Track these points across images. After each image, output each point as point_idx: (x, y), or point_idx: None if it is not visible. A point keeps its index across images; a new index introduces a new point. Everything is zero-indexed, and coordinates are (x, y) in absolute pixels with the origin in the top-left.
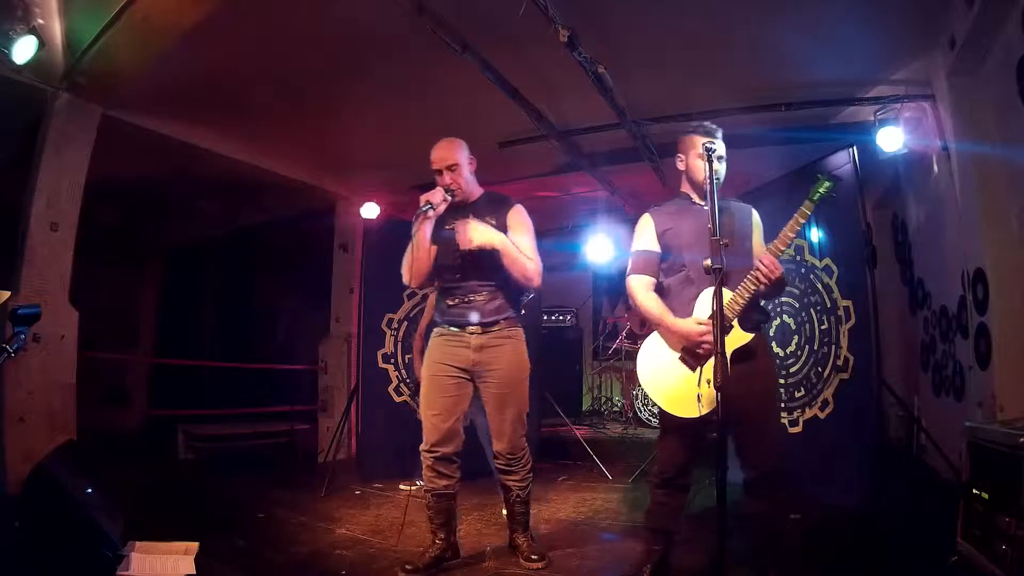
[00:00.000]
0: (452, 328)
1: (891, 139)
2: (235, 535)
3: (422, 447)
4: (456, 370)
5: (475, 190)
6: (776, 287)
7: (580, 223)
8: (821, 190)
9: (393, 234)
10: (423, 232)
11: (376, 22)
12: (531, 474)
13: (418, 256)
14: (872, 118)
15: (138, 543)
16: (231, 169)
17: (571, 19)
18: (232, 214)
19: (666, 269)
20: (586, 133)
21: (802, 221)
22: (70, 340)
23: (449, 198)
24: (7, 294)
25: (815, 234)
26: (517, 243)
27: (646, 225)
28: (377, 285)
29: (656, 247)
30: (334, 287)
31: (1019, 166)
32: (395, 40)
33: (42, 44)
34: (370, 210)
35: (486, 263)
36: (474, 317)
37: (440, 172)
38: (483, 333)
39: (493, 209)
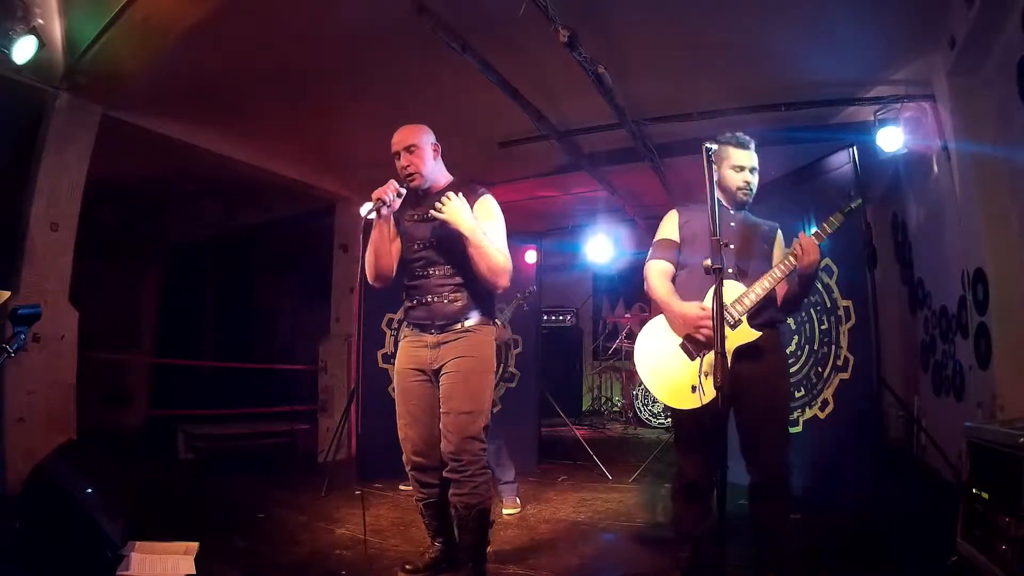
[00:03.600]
0: (414, 330)
1: (891, 139)
2: (235, 535)
3: (403, 459)
4: (419, 373)
5: (440, 178)
6: (806, 280)
7: (580, 223)
8: (854, 205)
9: None
10: (381, 232)
11: (376, 22)
12: (483, 494)
13: (379, 260)
14: (872, 118)
15: (138, 543)
16: (231, 169)
17: (571, 19)
18: (232, 214)
19: (683, 261)
20: (586, 133)
21: (829, 230)
22: (70, 340)
23: (403, 191)
24: (7, 294)
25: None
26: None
27: (671, 219)
28: None
29: (677, 237)
30: (334, 287)
31: (1019, 166)
32: (395, 40)
33: (42, 44)
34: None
35: (446, 258)
36: (432, 321)
37: (398, 155)
38: (440, 332)
39: None
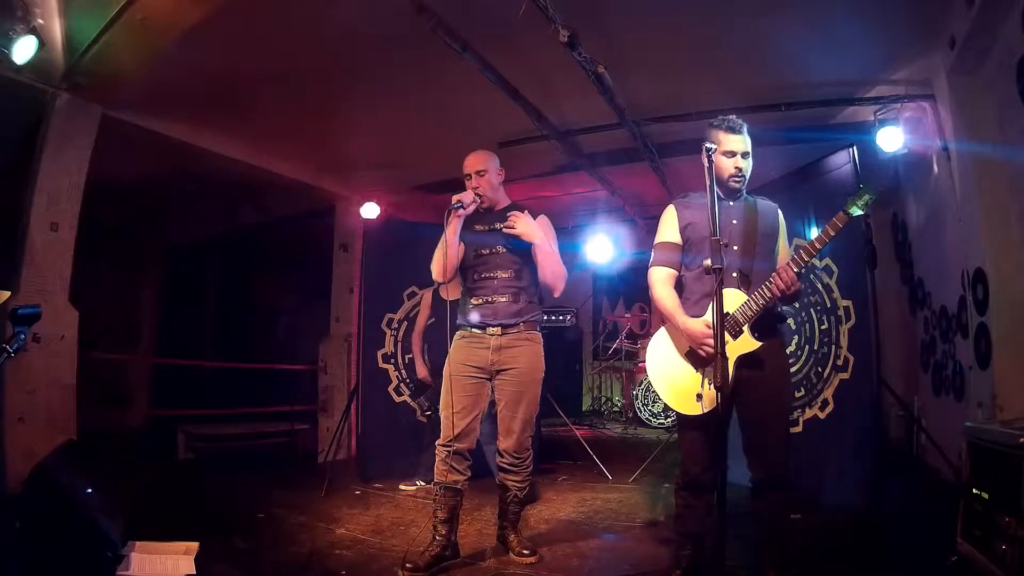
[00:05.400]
0: (474, 330)
1: (891, 139)
2: (235, 535)
3: (439, 442)
4: (476, 370)
5: (502, 200)
6: (790, 299)
7: (580, 223)
8: (860, 203)
9: (393, 234)
10: (454, 228)
11: (376, 22)
12: (531, 476)
13: (449, 252)
14: (872, 118)
15: (138, 543)
16: (231, 169)
17: (571, 19)
18: (232, 214)
19: (687, 263)
20: (586, 133)
21: (832, 233)
22: (70, 340)
23: (478, 200)
24: (7, 294)
25: (815, 234)
26: None
27: (670, 218)
28: (377, 285)
29: (678, 239)
30: (334, 287)
31: (1019, 166)
32: (395, 40)
33: (42, 44)
34: (370, 210)
35: (509, 266)
36: (496, 319)
37: (469, 177)
38: (503, 334)
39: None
